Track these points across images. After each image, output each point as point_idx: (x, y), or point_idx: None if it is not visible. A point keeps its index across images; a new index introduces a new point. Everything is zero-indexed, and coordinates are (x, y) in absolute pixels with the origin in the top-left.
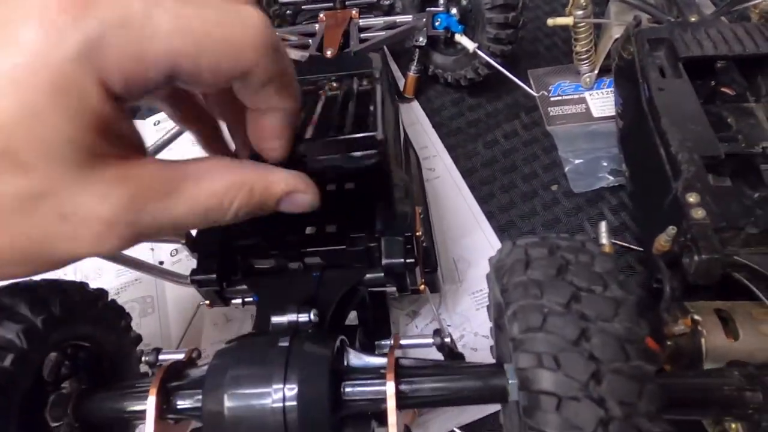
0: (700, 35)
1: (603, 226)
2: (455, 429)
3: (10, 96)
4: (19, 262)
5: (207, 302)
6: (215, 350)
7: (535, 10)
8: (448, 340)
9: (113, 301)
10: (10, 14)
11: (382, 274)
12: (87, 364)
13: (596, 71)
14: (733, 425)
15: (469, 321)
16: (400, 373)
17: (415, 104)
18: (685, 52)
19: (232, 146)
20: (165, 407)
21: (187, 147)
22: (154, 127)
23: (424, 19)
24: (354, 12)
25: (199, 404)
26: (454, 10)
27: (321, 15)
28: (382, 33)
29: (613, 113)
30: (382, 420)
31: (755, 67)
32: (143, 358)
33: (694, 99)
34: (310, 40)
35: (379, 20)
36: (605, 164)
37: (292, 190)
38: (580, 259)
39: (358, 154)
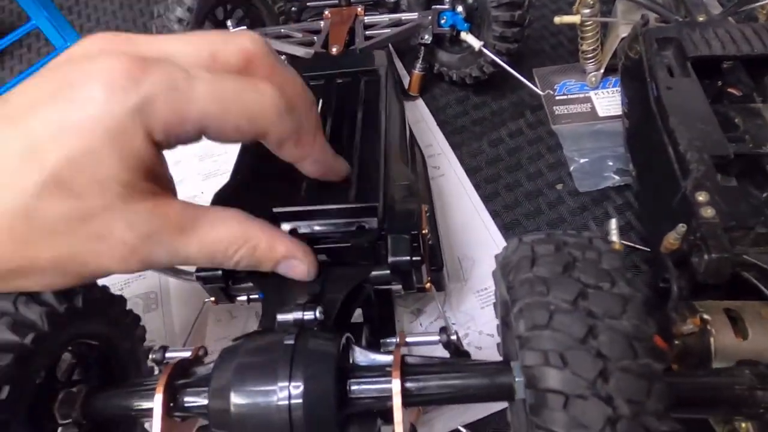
0: (709, 35)
1: (613, 223)
2: (460, 427)
3: (74, 140)
4: (59, 274)
5: (212, 299)
6: (219, 347)
7: (541, 9)
8: (454, 337)
9: (131, 310)
10: (81, 75)
11: (388, 272)
12: (97, 363)
13: (602, 70)
14: (744, 424)
15: (473, 319)
16: (406, 370)
17: (420, 102)
18: (693, 51)
19: None
20: (172, 405)
21: (194, 163)
22: None
23: (430, 17)
24: (359, 9)
25: (205, 402)
26: (459, 8)
27: (326, 12)
28: (388, 30)
29: (619, 112)
30: (387, 418)
31: (762, 67)
32: (150, 356)
33: (703, 98)
34: (315, 37)
35: (385, 17)
36: (611, 164)
37: (291, 257)
38: (587, 255)
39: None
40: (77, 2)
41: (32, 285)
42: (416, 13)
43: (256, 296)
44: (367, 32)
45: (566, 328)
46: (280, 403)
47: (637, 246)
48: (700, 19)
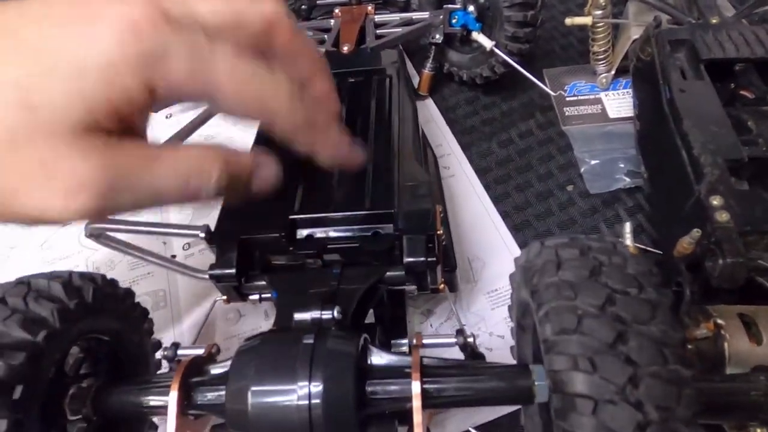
0: (722, 37)
1: (628, 226)
2: (471, 429)
3: (64, 69)
4: None
5: (224, 298)
6: (229, 345)
7: (551, 9)
8: (471, 339)
9: (139, 303)
10: (98, 11)
11: (403, 273)
12: (106, 359)
13: (613, 72)
14: (759, 430)
15: (484, 320)
16: (425, 372)
17: (430, 102)
18: (706, 54)
19: None
20: (186, 402)
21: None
22: (165, 120)
23: (441, 16)
24: (370, 8)
25: (220, 400)
26: (471, 8)
27: (336, 10)
28: (398, 29)
29: (630, 114)
30: (403, 419)
31: None
32: (162, 353)
33: (716, 101)
34: (325, 36)
35: (395, 16)
36: (622, 165)
37: (258, 161)
38: (613, 260)
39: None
40: None
41: None
42: (427, 13)
43: (268, 295)
44: (377, 31)
45: (595, 332)
46: (300, 403)
47: (649, 249)
48: (713, 21)
